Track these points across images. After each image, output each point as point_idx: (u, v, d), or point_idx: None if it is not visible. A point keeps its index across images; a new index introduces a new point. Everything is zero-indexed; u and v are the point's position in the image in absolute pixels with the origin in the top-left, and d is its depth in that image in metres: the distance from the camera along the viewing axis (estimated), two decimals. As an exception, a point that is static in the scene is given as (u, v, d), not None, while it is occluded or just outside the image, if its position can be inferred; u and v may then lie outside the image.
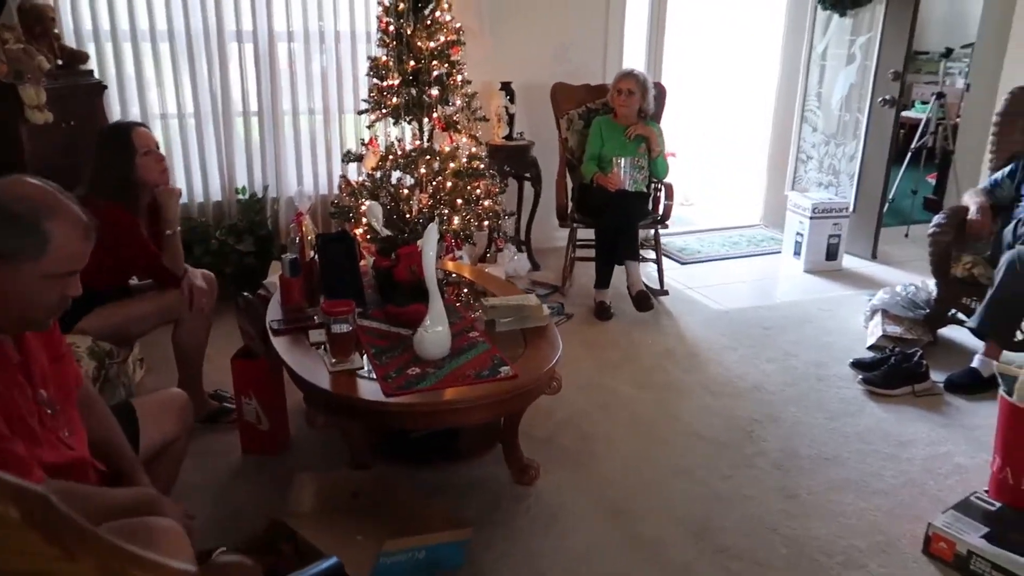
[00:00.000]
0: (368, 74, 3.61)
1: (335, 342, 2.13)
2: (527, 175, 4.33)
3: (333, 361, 2.14)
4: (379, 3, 3.59)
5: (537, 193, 4.34)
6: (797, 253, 4.63)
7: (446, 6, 3.53)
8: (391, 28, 3.48)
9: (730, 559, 2.09)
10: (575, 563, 2.07)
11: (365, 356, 2.21)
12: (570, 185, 4.19)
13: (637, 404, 2.94)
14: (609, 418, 2.82)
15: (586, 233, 4.02)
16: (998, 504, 2.21)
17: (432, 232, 2.13)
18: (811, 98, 5.07)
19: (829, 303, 4.02)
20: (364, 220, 3.45)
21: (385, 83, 3.52)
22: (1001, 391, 2.24)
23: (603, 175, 3.89)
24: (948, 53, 5.41)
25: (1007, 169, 3.43)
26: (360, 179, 3.73)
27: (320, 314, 2.33)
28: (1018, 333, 3.12)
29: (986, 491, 2.29)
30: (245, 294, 2.58)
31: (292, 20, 3.87)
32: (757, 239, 5.19)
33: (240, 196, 3.98)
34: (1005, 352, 3.13)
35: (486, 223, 3.72)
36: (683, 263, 4.68)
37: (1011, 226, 3.16)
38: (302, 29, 3.89)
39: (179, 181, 3.84)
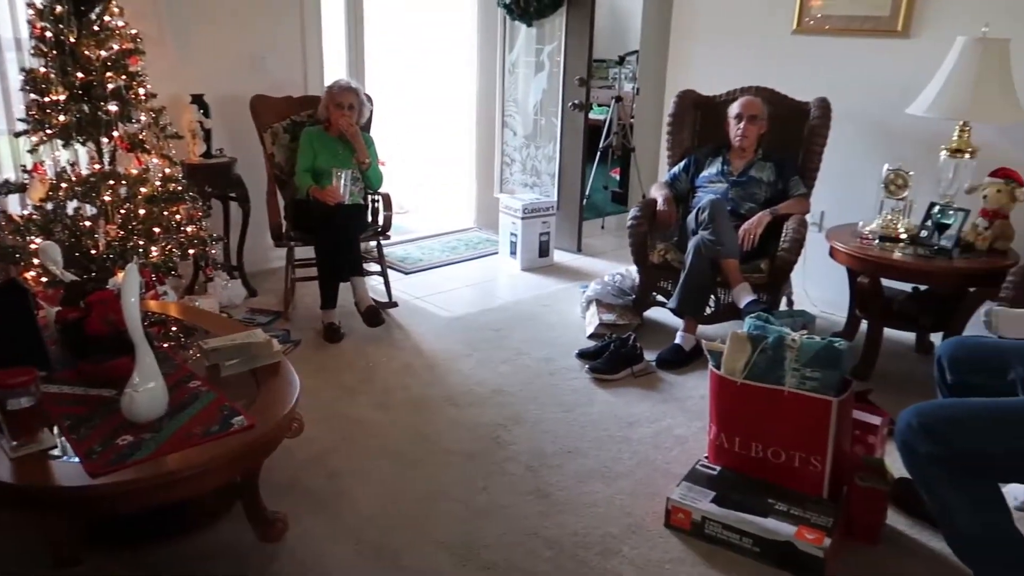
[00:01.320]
0: (23, 88, 3.05)
1: (14, 421, 1.75)
2: (232, 194, 3.99)
3: (14, 444, 1.74)
4: (28, 5, 3.04)
5: (246, 213, 4.01)
6: (513, 253, 4.82)
7: (116, 11, 3.09)
8: (48, 35, 2.97)
9: (499, 575, 2.07)
10: (341, 617, 1.92)
11: (57, 431, 1.83)
12: (282, 202, 3.94)
13: (383, 428, 2.82)
14: (355, 449, 2.67)
15: (305, 251, 3.80)
16: (718, 468, 2.46)
17: (132, 273, 1.83)
18: (509, 103, 5.32)
19: (548, 298, 4.24)
20: (37, 262, 2.91)
21: (47, 98, 3.00)
22: (711, 366, 2.48)
23: (319, 188, 3.71)
24: (621, 60, 6.02)
25: (682, 164, 3.87)
26: (26, 212, 3.14)
27: (-11, 387, 1.89)
28: (707, 308, 3.55)
29: (706, 457, 2.54)
30: None
31: (-94, 23, 3.15)
32: (474, 242, 5.33)
33: None
34: (703, 327, 3.55)
35: (191, 251, 3.35)
36: (407, 272, 4.65)
37: (692, 214, 3.56)
38: (-78, 34, 3.19)
39: None
